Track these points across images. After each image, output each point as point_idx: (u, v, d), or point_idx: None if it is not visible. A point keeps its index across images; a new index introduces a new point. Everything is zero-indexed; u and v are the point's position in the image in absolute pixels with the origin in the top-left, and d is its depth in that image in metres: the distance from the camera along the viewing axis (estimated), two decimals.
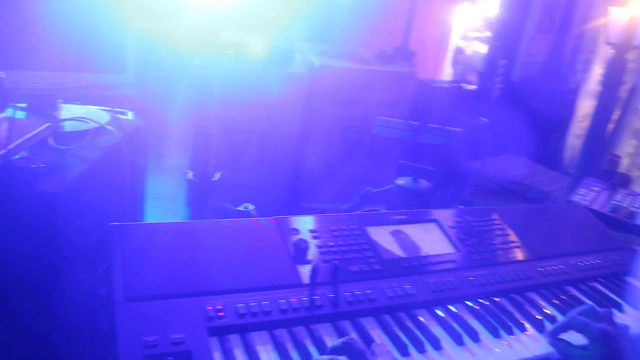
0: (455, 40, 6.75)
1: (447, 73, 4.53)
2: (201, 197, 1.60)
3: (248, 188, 2.62)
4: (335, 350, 0.79)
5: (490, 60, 3.03)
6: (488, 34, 6.89)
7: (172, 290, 0.87)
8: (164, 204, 2.17)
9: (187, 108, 2.23)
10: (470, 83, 4.91)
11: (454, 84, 3.18)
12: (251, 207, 1.59)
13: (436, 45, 4.01)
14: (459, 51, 8.14)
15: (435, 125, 2.18)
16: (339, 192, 2.63)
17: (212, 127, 1.58)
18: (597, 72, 3.06)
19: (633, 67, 2.91)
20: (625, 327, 0.94)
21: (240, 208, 1.59)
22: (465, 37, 7.86)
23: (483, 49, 7.17)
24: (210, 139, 1.57)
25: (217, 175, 1.62)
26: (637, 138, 2.95)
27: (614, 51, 1.92)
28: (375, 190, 1.83)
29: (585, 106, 3.21)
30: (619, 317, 1.07)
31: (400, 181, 1.86)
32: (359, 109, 2.79)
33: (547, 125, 3.43)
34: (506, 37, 3.40)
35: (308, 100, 2.71)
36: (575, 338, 0.92)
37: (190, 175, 1.60)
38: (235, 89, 2.26)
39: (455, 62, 8.20)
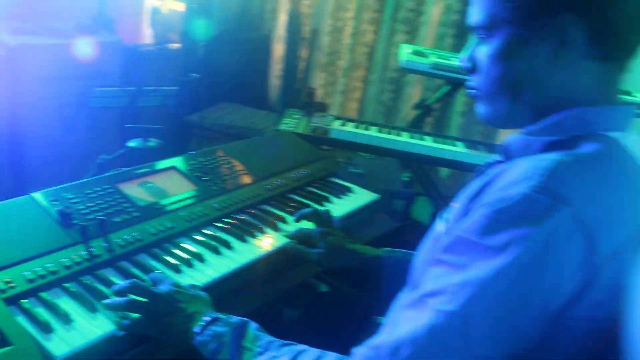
0: (150, 1, 6.75)
1: (148, 35, 4.58)
2: None
3: None
4: (120, 291, 0.96)
5: (189, 20, 3.23)
6: None
7: None
8: None
9: None
10: (173, 42, 5.03)
11: (159, 46, 3.32)
12: None
13: (133, 9, 4.04)
14: (155, 11, 8.12)
15: (151, 88, 2.34)
16: (71, 170, 2.62)
17: None
18: (283, 19, 3.49)
19: (311, 12, 3.41)
20: None
21: None
22: None
23: (179, 6, 7.28)
24: None
25: None
26: (325, 71, 3.48)
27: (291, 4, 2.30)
28: (110, 157, 1.93)
29: (279, 50, 3.63)
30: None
31: (132, 143, 2.00)
32: (72, 84, 2.77)
33: (250, 71, 3.79)
34: None
35: (13, 84, 2.61)
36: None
37: None
38: None
39: (154, 23, 8.18)
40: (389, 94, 3.22)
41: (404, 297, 0.87)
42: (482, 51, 0.85)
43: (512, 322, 0.71)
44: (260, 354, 0.85)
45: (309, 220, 1.30)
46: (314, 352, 0.84)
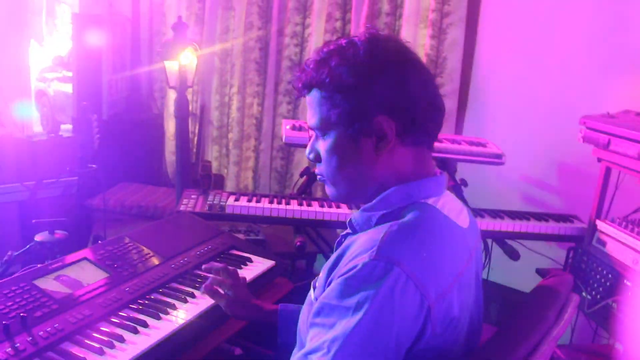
0: (35, 84, 6.67)
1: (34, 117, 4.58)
2: None
3: None
4: None
5: (80, 107, 3.34)
6: (66, 73, 7.00)
7: None
8: None
9: None
10: (61, 123, 5.01)
11: (51, 135, 3.39)
12: None
13: (17, 92, 4.06)
14: (41, 93, 8.00)
15: (51, 180, 2.43)
16: None
17: None
18: (172, 97, 3.68)
19: (197, 89, 3.63)
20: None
21: None
22: (43, 79, 7.79)
23: (65, 87, 7.26)
24: None
25: None
26: (217, 144, 3.68)
27: (176, 91, 2.51)
28: (17, 253, 2.00)
29: (172, 126, 3.81)
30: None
31: (39, 237, 2.08)
32: None
33: (146, 150, 3.93)
34: (87, 81, 3.70)
35: None
36: None
37: None
38: None
39: (41, 105, 8.04)
40: (280, 161, 3.47)
41: (294, 356, 1.05)
42: (321, 146, 1.09)
43: None
44: None
45: (218, 273, 1.47)
46: None
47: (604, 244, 2.19)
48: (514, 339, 0.99)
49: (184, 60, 2.44)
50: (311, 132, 1.14)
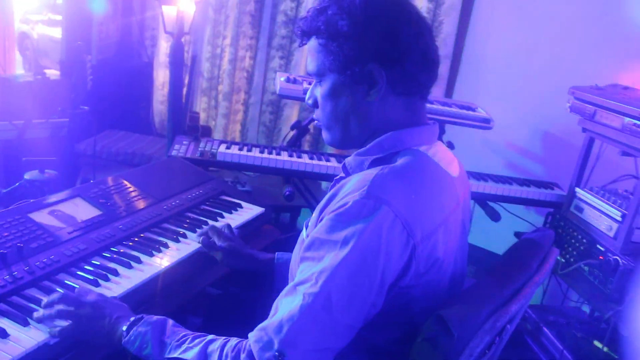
0: (17, 25, 6.51)
1: (17, 60, 4.50)
2: None
3: None
4: (51, 304, 1.12)
5: (70, 50, 3.30)
6: (52, 16, 6.86)
7: None
8: None
9: None
10: (45, 67, 4.92)
11: (38, 77, 3.35)
12: None
13: (1, 34, 3.99)
14: (24, 36, 7.83)
15: (40, 120, 2.43)
16: None
17: None
18: (163, 45, 3.65)
19: (190, 39, 3.60)
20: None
21: None
22: (26, 21, 7.61)
23: (50, 31, 7.12)
24: None
25: None
26: (207, 95, 3.67)
27: (172, 38, 2.50)
28: (5, 190, 2.01)
29: (161, 75, 3.79)
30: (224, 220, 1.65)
31: (28, 175, 2.09)
32: None
33: (134, 98, 3.91)
34: (78, 23, 3.63)
35: None
36: None
37: None
38: None
39: (23, 48, 7.88)
40: (269, 115, 3.48)
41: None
42: (318, 92, 1.14)
43: (361, 294, 0.97)
44: (178, 346, 1.05)
45: (209, 235, 1.52)
46: (219, 339, 1.05)
47: (581, 210, 2.27)
48: (502, 281, 1.05)
49: (182, 6, 2.42)
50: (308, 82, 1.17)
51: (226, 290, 1.80)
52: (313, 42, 1.11)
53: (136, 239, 1.49)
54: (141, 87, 3.97)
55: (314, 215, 1.12)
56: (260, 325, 1.00)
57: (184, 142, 2.19)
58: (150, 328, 1.08)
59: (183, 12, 2.43)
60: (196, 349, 1.03)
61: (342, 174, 1.18)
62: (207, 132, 3.65)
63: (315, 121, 1.20)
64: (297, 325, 0.95)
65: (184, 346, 1.05)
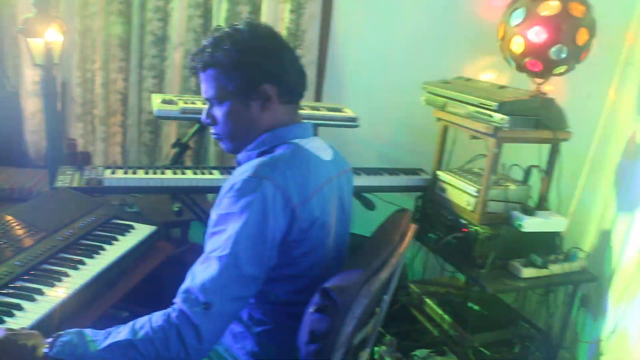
0: None
1: None
2: None
3: None
4: None
5: None
6: None
7: None
8: None
9: None
10: None
11: None
12: None
13: None
14: None
15: None
16: None
17: None
18: (28, 74, 3.55)
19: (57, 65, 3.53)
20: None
21: None
22: None
23: None
24: None
25: None
26: (82, 121, 3.63)
27: (42, 69, 2.50)
28: None
29: (31, 105, 3.67)
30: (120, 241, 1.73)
31: None
32: None
33: (3, 130, 3.76)
34: None
35: None
36: None
37: None
38: None
39: None
40: (149, 135, 3.51)
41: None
42: (217, 112, 1.42)
43: (261, 250, 1.25)
44: (106, 337, 1.19)
45: None
46: (144, 317, 1.22)
47: (444, 190, 2.57)
48: (371, 255, 1.29)
49: (49, 37, 2.43)
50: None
51: (131, 310, 1.89)
52: (210, 72, 1.39)
53: (35, 273, 1.54)
54: (9, 117, 3.82)
55: (217, 201, 1.35)
56: (181, 289, 1.22)
57: (68, 172, 2.22)
58: (73, 335, 1.19)
59: (51, 43, 2.44)
60: (125, 330, 1.19)
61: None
62: (86, 158, 3.62)
63: (214, 135, 1.47)
64: (217, 281, 1.20)
65: (112, 334, 1.19)
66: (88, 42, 3.44)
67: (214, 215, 1.31)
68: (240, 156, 1.46)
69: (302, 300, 1.27)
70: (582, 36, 2.17)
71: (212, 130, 1.49)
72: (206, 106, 1.47)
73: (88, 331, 1.22)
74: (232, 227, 1.23)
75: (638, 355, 1.90)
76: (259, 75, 1.38)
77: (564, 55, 2.18)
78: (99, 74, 3.46)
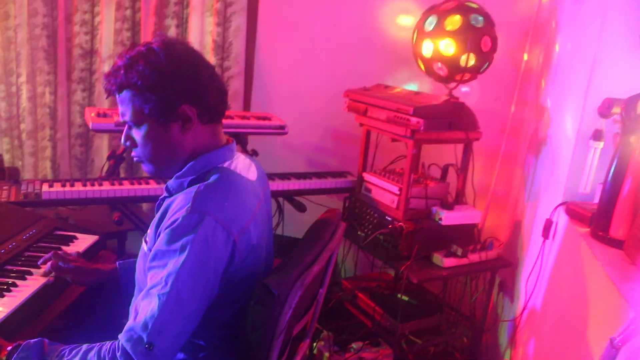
0: None
1: None
2: None
3: None
4: None
5: None
6: None
7: None
8: None
9: None
10: None
11: None
12: None
13: None
14: None
15: None
16: None
17: None
18: None
19: (25, 79, 3.48)
20: None
21: None
22: None
23: None
24: None
25: None
26: (8, 135, 3.59)
27: None
28: None
29: None
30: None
31: None
32: None
33: None
34: None
35: None
36: None
37: None
38: None
39: None
40: (79, 148, 3.52)
41: (137, 297, 1.34)
42: (136, 134, 1.38)
43: (202, 285, 1.26)
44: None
45: (53, 259, 1.67)
46: (95, 346, 1.26)
47: (369, 190, 2.75)
48: (304, 251, 1.41)
49: None
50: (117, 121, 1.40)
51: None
52: (126, 94, 1.34)
53: None
54: None
55: (150, 232, 1.38)
56: (126, 327, 1.23)
57: (4, 188, 2.25)
58: (29, 352, 1.25)
59: None
60: (76, 359, 1.22)
61: (166, 194, 1.44)
62: (14, 173, 3.57)
63: (135, 157, 1.43)
64: (158, 320, 1.20)
65: (65, 358, 1.23)
66: (11, 55, 3.41)
67: (150, 246, 1.32)
68: (171, 183, 1.42)
69: (242, 323, 1.30)
70: (486, 44, 2.39)
71: (133, 152, 1.43)
72: (125, 128, 1.41)
73: (46, 346, 1.26)
74: (172, 265, 1.22)
75: (542, 327, 2.14)
76: (176, 97, 1.32)
77: (472, 63, 2.40)
78: (24, 87, 3.44)
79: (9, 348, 1.26)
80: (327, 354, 2.80)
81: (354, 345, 2.91)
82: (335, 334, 2.90)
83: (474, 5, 2.42)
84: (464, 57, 2.37)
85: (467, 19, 2.36)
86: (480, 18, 2.38)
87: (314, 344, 2.78)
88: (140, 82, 1.30)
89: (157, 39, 1.35)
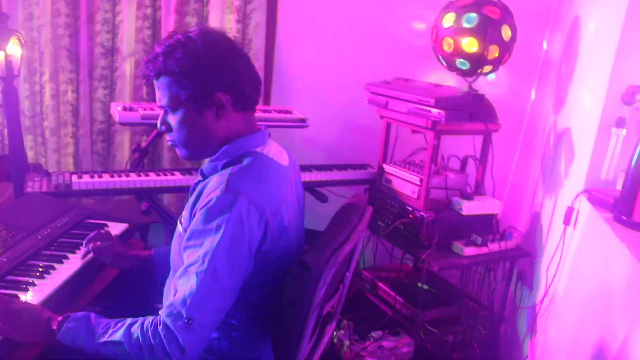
0: None
1: None
2: None
3: None
4: None
5: None
6: None
7: None
8: None
9: None
10: None
11: None
12: None
13: None
14: None
15: None
16: None
17: None
18: None
19: (48, 78, 3.56)
20: None
21: None
22: None
23: None
24: None
25: None
26: (31, 133, 3.66)
27: (3, 82, 2.57)
28: None
29: None
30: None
31: None
32: None
33: None
34: None
35: None
36: None
37: None
38: None
39: None
40: (101, 144, 3.59)
41: (172, 277, 1.39)
42: (172, 119, 1.43)
43: (237, 263, 1.30)
44: (105, 332, 1.29)
45: (95, 240, 1.73)
46: (138, 319, 1.30)
47: (390, 182, 2.79)
48: (333, 232, 1.45)
49: (10, 50, 2.52)
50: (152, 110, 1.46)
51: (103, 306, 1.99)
52: (164, 80, 1.39)
53: (23, 268, 1.64)
54: None
55: (185, 213, 1.44)
56: (166, 304, 1.28)
57: (36, 179, 2.31)
58: (77, 323, 1.30)
59: (11, 55, 2.52)
60: (121, 330, 1.28)
61: (200, 178, 1.49)
62: (38, 170, 3.65)
63: (170, 142, 1.49)
64: (197, 296, 1.25)
65: (110, 330, 1.29)
66: (35, 55, 3.48)
67: (185, 227, 1.37)
68: (205, 167, 1.47)
69: (273, 304, 1.36)
70: (506, 32, 2.42)
71: (167, 137, 1.48)
72: (161, 113, 1.47)
73: (92, 319, 1.32)
74: (209, 243, 1.26)
75: (565, 313, 2.16)
76: (211, 84, 1.36)
77: (495, 55, 2.42)
78: (48, 85, 3.51)
79: (60, 318, 1.31)
80: (347, 343, 2.84)
81: (373, 334, 2.95)
82: (355, 323, 2.94)
83: None
84: (485, 52, 2.40)
85: (483, 15, 2.38)
86: (497, 10, 2.41)
87: (334, 333, 2.82)
88: (178, 70, 1.35)
89: (195, 28, 1.40)
